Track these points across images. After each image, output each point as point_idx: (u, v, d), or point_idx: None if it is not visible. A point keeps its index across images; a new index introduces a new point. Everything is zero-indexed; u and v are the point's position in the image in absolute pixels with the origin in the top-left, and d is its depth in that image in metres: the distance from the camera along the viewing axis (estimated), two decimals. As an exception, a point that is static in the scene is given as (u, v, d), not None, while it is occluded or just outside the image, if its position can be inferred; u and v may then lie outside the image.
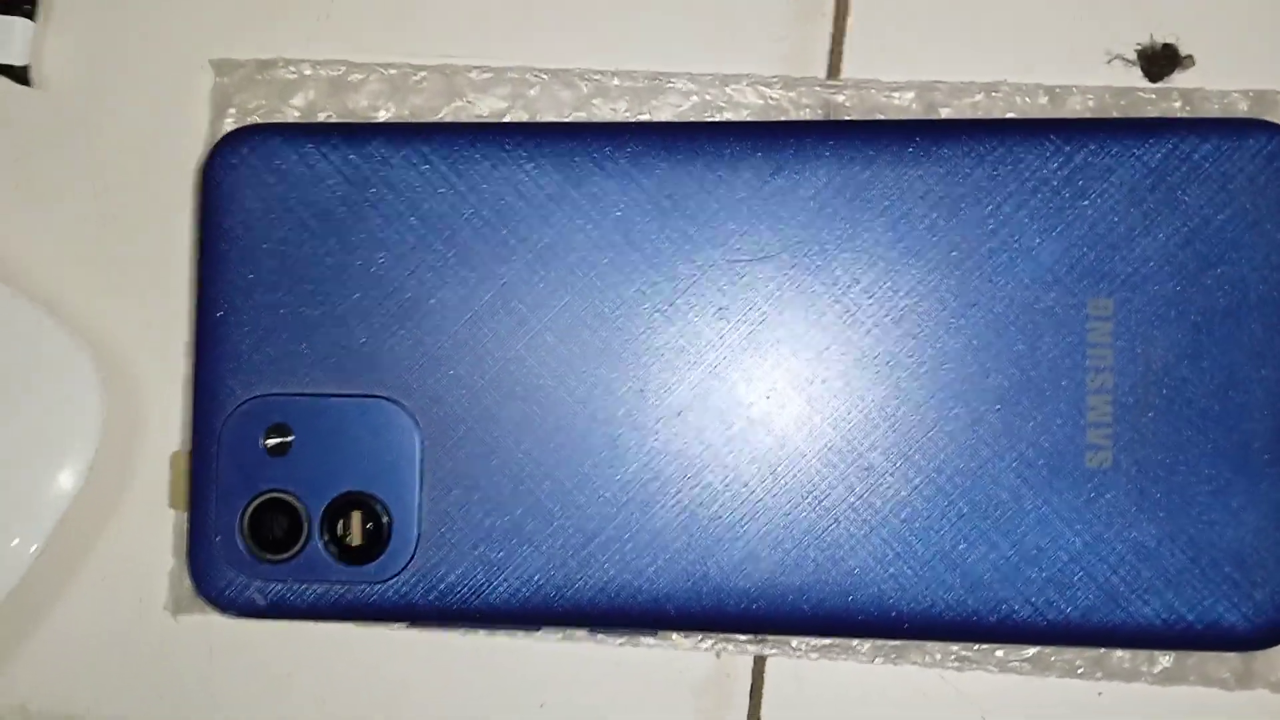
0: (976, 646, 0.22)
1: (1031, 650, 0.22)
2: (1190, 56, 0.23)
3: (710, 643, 0.23)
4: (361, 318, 0.21)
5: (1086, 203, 0.21)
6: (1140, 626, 0.21)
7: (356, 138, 0.22)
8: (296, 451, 0.21)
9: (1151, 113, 0.23)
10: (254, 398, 0.21)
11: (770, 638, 0.23)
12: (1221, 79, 0.23)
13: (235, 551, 0.21)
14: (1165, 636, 0.21)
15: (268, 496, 0.21)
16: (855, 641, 0.23)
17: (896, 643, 0.22)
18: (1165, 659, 0.22)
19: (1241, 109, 0.23)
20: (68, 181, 0.24)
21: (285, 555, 0.21)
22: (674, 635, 0.23)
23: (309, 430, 0.21)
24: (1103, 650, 0.22)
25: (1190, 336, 0.21)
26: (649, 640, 0.23)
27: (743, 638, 0.23)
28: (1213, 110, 0.23)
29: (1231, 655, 0.22)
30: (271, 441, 0.21)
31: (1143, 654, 0.22)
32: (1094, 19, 0.23)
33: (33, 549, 0.23)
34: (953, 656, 0.22)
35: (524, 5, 0.24)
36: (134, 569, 0.24)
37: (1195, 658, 0.22)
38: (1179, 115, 0.23)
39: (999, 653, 0.22)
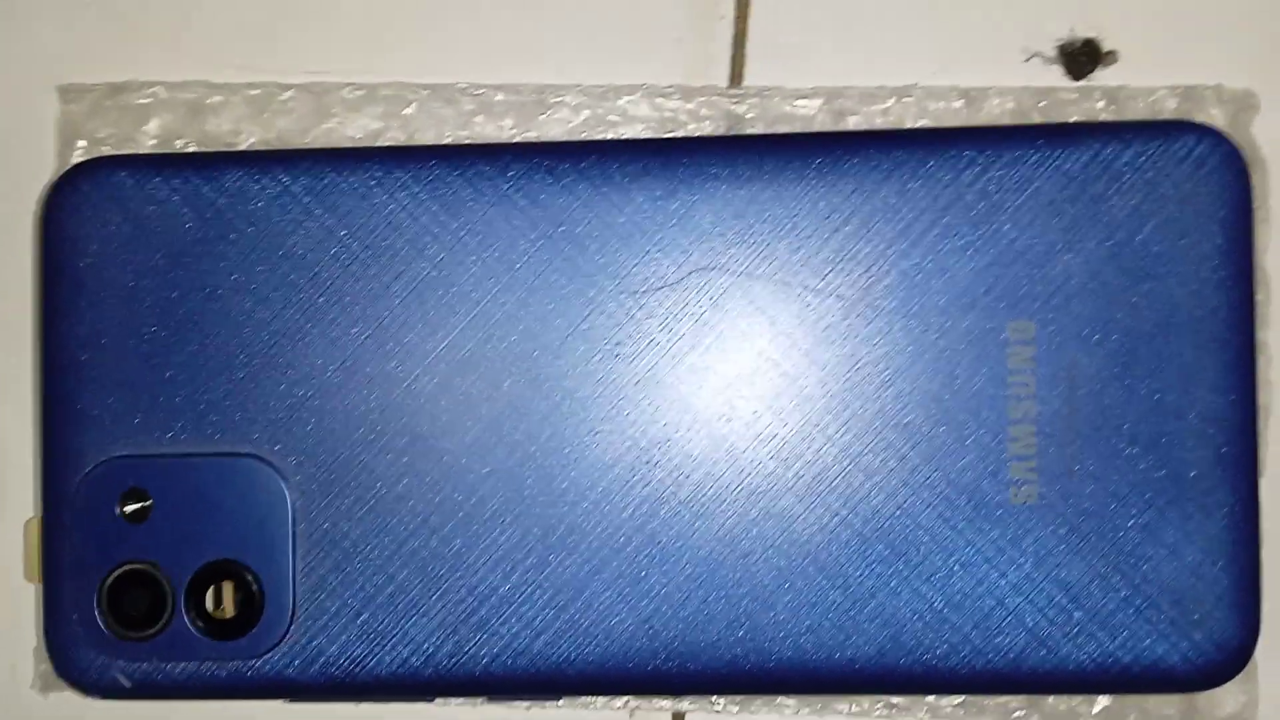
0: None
1: (962, 696, 0.21)
2: (1114, 52, 0.22)
3: (623, 701, 0.21)
4: (223, 368, 0.20)
5: (1004, 217, 0.20)
6: (1074, 671, 0.19)
7: (211, 168, 0.20)
8: (156, 517, 0.20)
9: (1074, 113, 0.21)
10: (108, 460, 0.20)
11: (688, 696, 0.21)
12: (1148, 75, 0.22)
13: (95, 629, 0.20)
14: (1101, 680, 0.19)
15: (127, 568, 0.20)
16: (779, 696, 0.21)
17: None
18: (1105, 698, 0.21)
19: (1169, 107, 0.22)
20: (-96, 222, 0.22)
21: (149, 632, 0.20)
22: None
23: (169, 494, 0.20)
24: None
25: (1117, 359, 0.19)
26: (557, 701, 0.21)
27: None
28: (1139, 109, 0.21)
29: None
30: (129, 508, 0.20)
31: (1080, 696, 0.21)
32: (1011, 14, 0.22)
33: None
34: (881, 705, 0.21)
35: (400, 16, 0.22)
36: (0, 644, 0.22)
37: (1135, 696, 0.21)
38: (1103, 115, 0.21)
39: (930, 698, 0.21)
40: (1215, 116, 0.21)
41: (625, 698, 0.21)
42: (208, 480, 0.20)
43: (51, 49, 0.22)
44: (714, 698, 0.21)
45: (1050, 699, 0.21)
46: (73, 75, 0.22)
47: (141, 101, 0.22)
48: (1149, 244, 0.20)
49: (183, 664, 0.20)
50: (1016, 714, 0.21)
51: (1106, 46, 0.22)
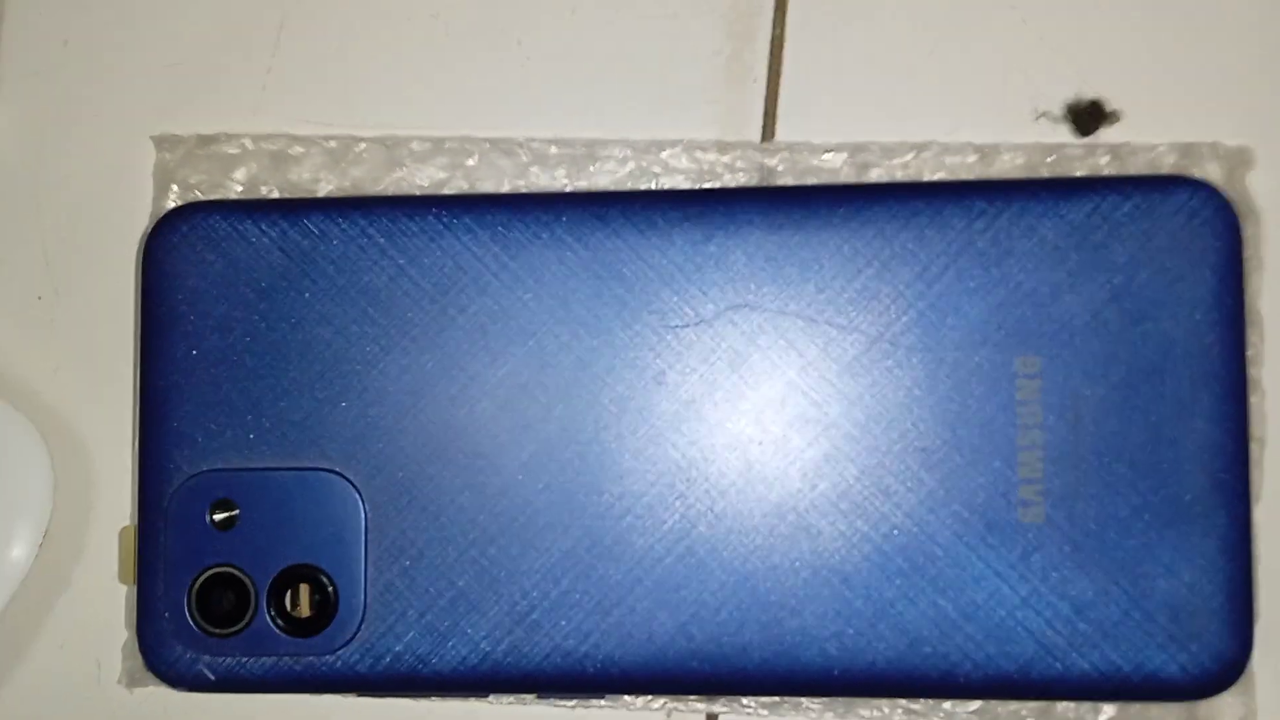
0: (922, 701, 0.23)
1: (977, 703, 0.22)
2: (1117, 112, 0.24)
3: (661, 703, 0.23)
4: (304, 391, 0.22)
5: (1012, 262, 0.21)
6: (1079, 679, 0.21)
7: (295, 213, 0.22)
8: (242, 525, 0.21)
9: (1080, 168, 0.23)
10: (199, 473, 0.22)
11: (720, 696, 0.23)
12: (1149, 133, 0.23)
13: (184, 626, 0.22)
14: (1104, 689, 0.21)
15: (215, 571, 0.21)
16: (805, 699, 0.23)
17: (845, 699, 0.23)
18: (1109, 708, 0.22)
19: (1169, 162, 0.23)
20: (14, 256, 0.24)
21: (233, 629, 0.21)
22: (625, 696, 0.23)
23: (254, 504, 0.21)
24: (1048, 701, 0.22)
25: (1118, 392, 0.21)
26: (600, 702, 0.23)
27: (693, 697, 0.23)
28: (1140, 164, 0.23)
29: (1173, 704, 0.22)
30: (218, 516, 0.22)
31: (1087, 704, 0.22)
32: (1022, 77, 0.24)
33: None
34: (900, 710, 0.23)
35: (463, 75, 0.24)
36: (89, 641, 0.24)
37: (1138, 707, 0.22)
38: (1106, 170, 0.23)
39: (946, 705, 0.23)
40: (1212, 171, 0.23)
41: (663, 699, 0.23)
42: (289, 492, 0.21)
43: (148, 101, 0.24)
44: (745, 699, 0.23)
45: (1059, 708, 0.22)
46: (167, 126, 0.24)
47: (230, 151, 0.24)
48: (1147, 287, 0.21)
49: (262, 659, 0.21)
50: (1027, 721, 0.23)
51: (1110, 106, 0.24)
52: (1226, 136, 0.23)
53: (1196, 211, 0.21)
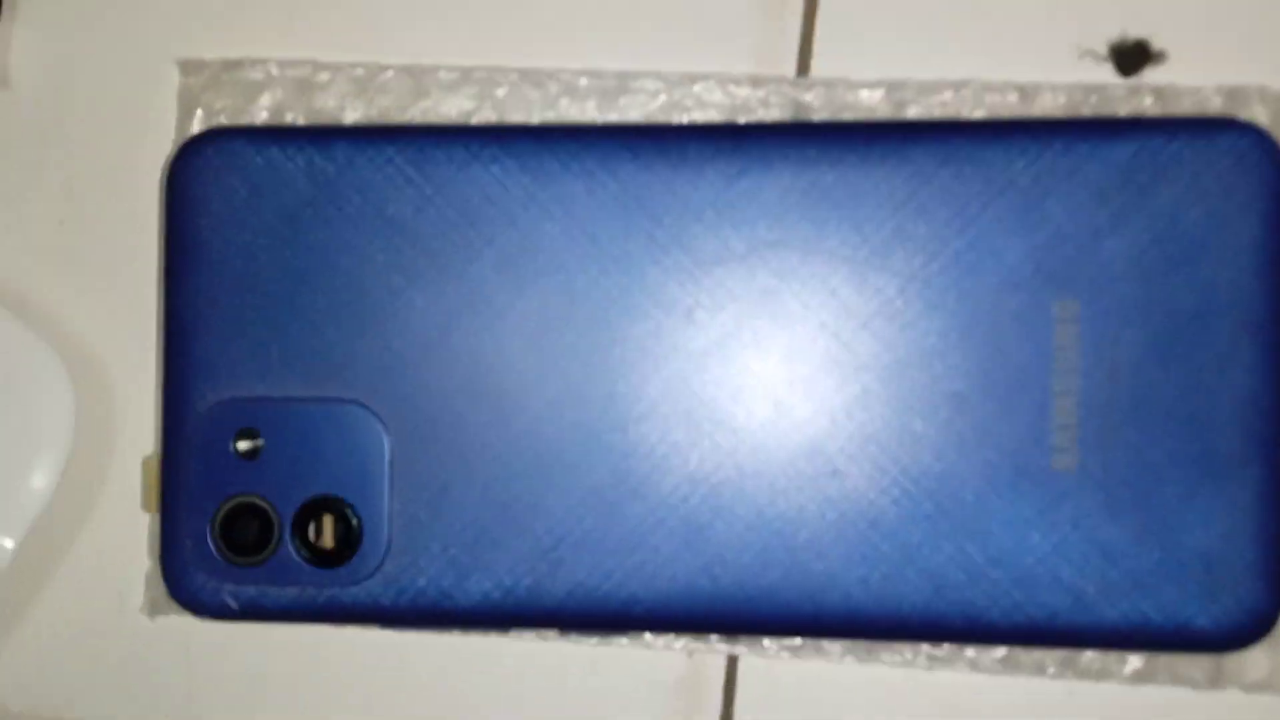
0: (946, 647, 0.22)
1: (1002, 651, 0.22)
2: (1163, 52, 0.23)
3: (682, 643, 0.23)
4: (329, 321, 0.22)
5: (1053, 203, 0.21)
6: (1108, 628, 0.21)
7: (321, 140, 0.22)
8: (267, 455, 0.21)
9: (1123, 109, 0.23)
10: (223, 401, 0.21)
11: (742, 638, 0.23)
12: (1195, 74, 0.23)
13: (207, 555, 0.22)
14: (1133, 638, 0.21)
15: (239, 501, 0.21)
16: (826, 642, 0.23)
17: (867, 643, 0.23)
18: (1136, 659, 0.22)
19: (1215, 104, 0.23)
20: (35, 182, 0.24)
21: (257, 559, 0.21)
22: (646, 635, 0.23)
23: (279, 434, 0.21)
24: (1074, 650, 0.22)
25: (1157, 339, 0.21)
26: (622, 640, 0.23)
27: (714, 638, 0.23)
28: (1185, 106, 0.23)
29: (1202, 656, 0.22)
30: (242, 445, 0.22)
31: (1113, 654, 0.22)
32: (1065, 15, 0.23)
33: (10, 545, 0.23)
34: (923, 656, 0.23)
35: (493, 4, 0.24)
36: (111, 570, 0.24)
37: (1166, 658, 0.22)
38: (1150, 112, 0.22)
39: (969, 653, 0.23)
40: (1259, 114, 0.22)
41: (684, 639, 0.23)
42: (314, 422, 0.21)
43: (173, 24, 0.24)
44: (766, 641, 0.23)
45: (1084, 658, 0.22)
46: (192, 49, 0.24)
47: (255, 77, 0.23)
48: (1190, 232, 0.21)
49: (285, 589, 0.21)
50: (1051, 671, 0.22)
51: (1156, 47, 0.23)
52: (1274, 80, 0.22)
53: (1243, 155, 0.21)
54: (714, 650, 0.23)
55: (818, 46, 0.23)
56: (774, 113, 0.23)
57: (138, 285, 0.24)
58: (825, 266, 0.21)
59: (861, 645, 0.23)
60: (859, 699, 0.23)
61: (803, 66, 0.23)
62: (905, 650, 0.23)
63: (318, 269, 0.22)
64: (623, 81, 0.23)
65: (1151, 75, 0.23)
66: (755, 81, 0.23)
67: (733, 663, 0.23)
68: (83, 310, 0.24)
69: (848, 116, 0.23)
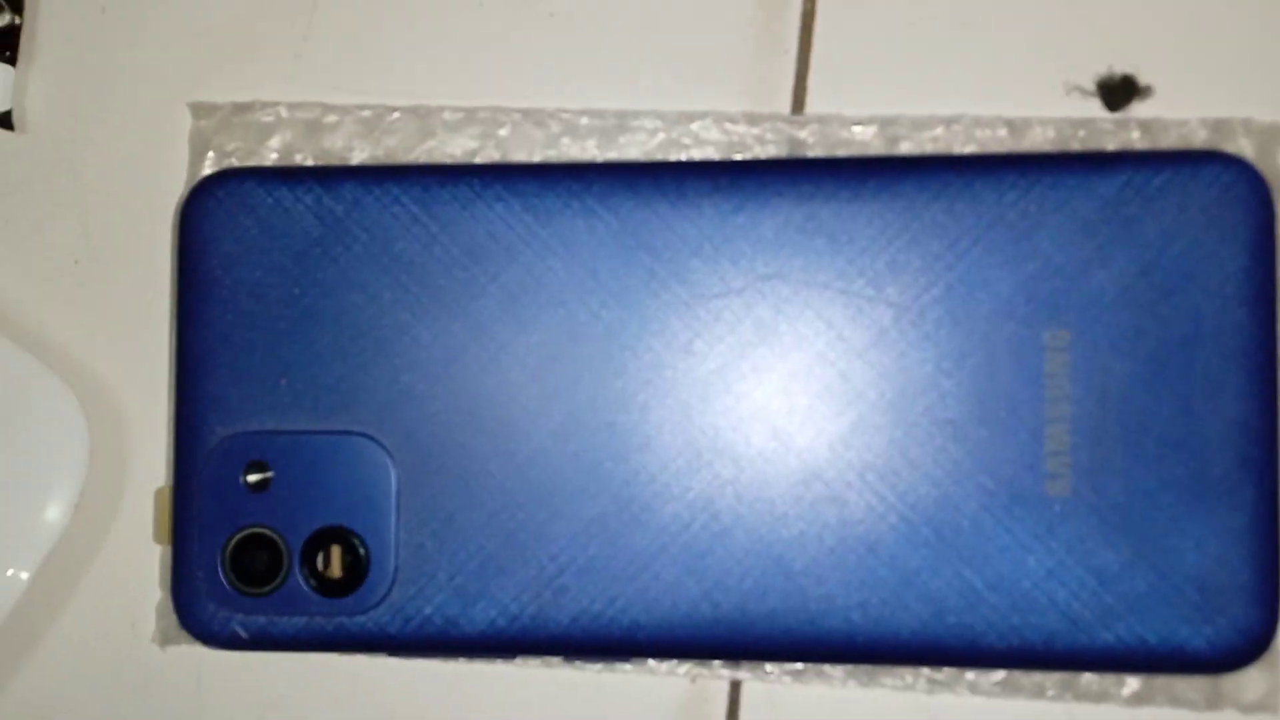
0: (946, 670, 0.23)
1: (1001, 674, 0.23)
2: (1149, 87, 0.24)
3: (686, 668, 0.23)
4: (337, 356, 0.22)
5: (1043, 235, 0.21)
6: (1104, 650, 0.21)
7: (330, 180, 0.22)
8: (276, 487, 0.22)
9: (1111, 143, 0.23)
10: (233, 435, 0.22)
11: (744, 663, 0.23)
12: (1181, 108, 0.23)
13: (218, 586, 0.22)
14: (1129, 660, 0.21)
15: (248, 532, 0.22)
16: (828, 666, 0.23)
17: (868, 667, 0.23)
18: (1134, 681, 0.23)
19: (1200, 138, 0.23)
20: (52, 221, 0.25)
21: (266, 589, 0.22)
22: (650, 661, 0.23)
23: (287, 466, 0.22)
24: (1072, 672, 0.23)
25: (1146, 366, 0.21)
26: (625, 666, 0.23)
27: (717, 663, 0.23)
28: (1172, 140, 0.23)
29: (1198, 677, 0.22)
30: (251, 478, 0.22)
31: (1111, 676, 0.23)
32: (1054, 51, 0.24)
33: (25, 577, 0.23)
34: (924, 680, 0.23)
35: (496, 46, 0.24)
36: (123, 600, 0.24)
37: (1163, 680, 0.22)
38: (1137, 145, 0.23)
39: (969, 676, 0.23)
40: (1244, 147, 0.23)
41: (687, 665, 0.23)
42: (322, 455, 0.22)
43: (184, 69, 0.25)
44: (769, 666, 0.23)
45: (1083, 681, 0.23)
46: (204, 92, 0.24)
47: (265, 119, 0.24)
48: (1177, 263, 0.21)
49: (294, 619, 0.22)
50: (1050, 693, 0.23)
51: (1142, 81, 0.24)
52: (1259, 113, 0.23)
53: (1229, 187, 0.21)
54: (717, 675, 0.23)
55: (812, 84, 0.24)
56: (770, 149, 0.23)
57: (150, 322, 0.24)
58: (821, 298, 0.22)
59: (863, 669, 0.23)
60: (860, 724, 0.23)
61: (798, 104, 0.24)
62: (906, 674, 0.23)
63: (326, 305, 0.22)
64: (622, 120, 0.24)
65: (1138, 109, 0.23)
66: (751, 119, 0.24)
67: (736, 687, 0.24)
68: (97, 346, 0.25)
69: (842, 152, 0.23)
